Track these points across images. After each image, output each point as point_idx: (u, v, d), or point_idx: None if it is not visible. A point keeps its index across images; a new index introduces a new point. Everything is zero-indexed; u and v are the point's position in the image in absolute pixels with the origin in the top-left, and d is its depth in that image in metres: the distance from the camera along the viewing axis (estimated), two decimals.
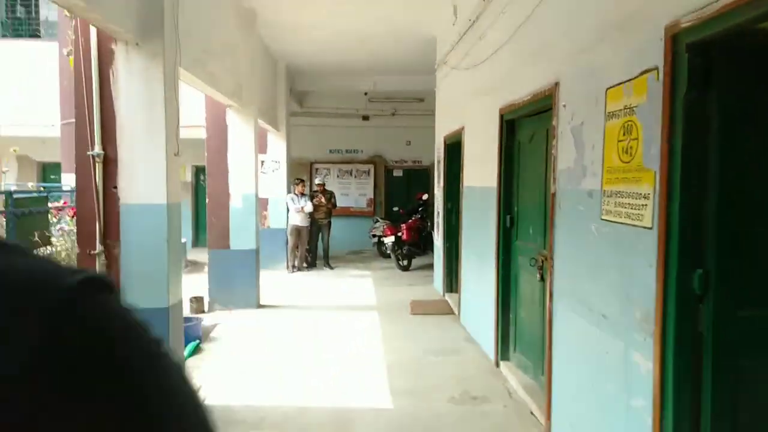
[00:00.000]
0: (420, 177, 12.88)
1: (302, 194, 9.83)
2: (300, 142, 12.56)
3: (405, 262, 9.95)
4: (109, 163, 3.60)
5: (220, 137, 6.78)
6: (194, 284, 7.23)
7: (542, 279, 3.87)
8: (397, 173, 13.02)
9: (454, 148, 7.19)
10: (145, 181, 3.63)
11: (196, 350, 5.21)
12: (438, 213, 8.01)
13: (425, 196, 11.02)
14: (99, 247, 3.57)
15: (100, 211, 3.57)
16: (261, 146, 9.88)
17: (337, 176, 12.77)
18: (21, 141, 12.07)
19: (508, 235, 4.58)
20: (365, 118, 12.72)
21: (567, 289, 3.26)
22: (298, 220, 9.65)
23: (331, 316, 6.50)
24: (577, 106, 3.12)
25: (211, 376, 4.52)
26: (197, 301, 6.73)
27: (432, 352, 5.12)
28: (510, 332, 4.62)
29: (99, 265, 3.57)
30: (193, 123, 8.40)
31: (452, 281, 7.41)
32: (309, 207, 9.73)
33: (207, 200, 6.85)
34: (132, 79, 3.60)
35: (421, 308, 6.79)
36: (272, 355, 5.08)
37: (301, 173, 12.55)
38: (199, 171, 12.64)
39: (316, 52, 9.39)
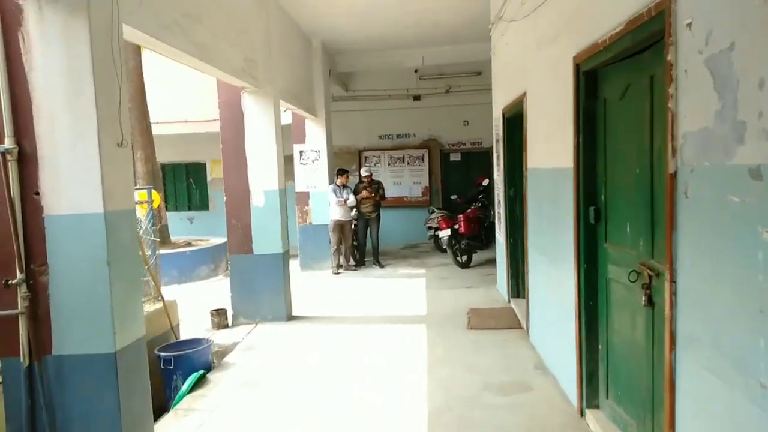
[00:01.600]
0: (480, 160, 11.49)
1: (344, 186, 8.78)
2: (347, 129, 11.56)
3: (464, 259, 8.68)
4: (27, 161, 2.65)
5: (235, 126, 5.82)
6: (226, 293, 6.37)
7: (650, 304, 2.55)
8: (455, 157, 11.69)
9: (514, 122, 5.84)
10: (75, 184, 2.65)
11: (199, 382, 4.29)
12: (499, 202, 6.68)
13: (486, 182, 9.66)
14: (19, 276, 2.64)
15: (18, 226, 2.63)
16: (298, 135, 8.96)
17: (389, 164, 11.63)
18: None
19: (592, 234, 3.25)
20: (416, 98, 11.47)
21: (703, 332, 1.95)
22: (341, 214, 8.62)
23: (370, 333, 5.40)
24: (717, 19, 1.79)
25: (206, 425, 3.55)
26: (219, 314, 5.85)
27: (493, 388, 3.88)
28: (599, 369, 3.31)
29: (21, 300, 2.64)
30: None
31: (519, 285, 6.10)
32: (352, 200, 8.67)
33: (225, 199, 5.93)
34: (49, 44, 2.62)
35: (480, 321, 5.54)
36: (288, 394, 4.05)
37: (349, 163, 11.54)
38: None
39: (354, 26, 8.26)
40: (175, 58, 4.08)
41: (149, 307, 4.89)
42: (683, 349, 2.09)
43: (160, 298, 4.97)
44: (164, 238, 9.08)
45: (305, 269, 8.97)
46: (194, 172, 12.82)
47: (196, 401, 3.94)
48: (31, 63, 2.62)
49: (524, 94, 4.80)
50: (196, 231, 12.23)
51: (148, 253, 5.00)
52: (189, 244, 9.31)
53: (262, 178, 5.82)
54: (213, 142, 12.32)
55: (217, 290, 7.55)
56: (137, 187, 5.22)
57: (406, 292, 7.16)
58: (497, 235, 6.96)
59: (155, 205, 5.29)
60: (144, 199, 5.10)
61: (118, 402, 2.68)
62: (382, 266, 9.04)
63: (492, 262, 8.78)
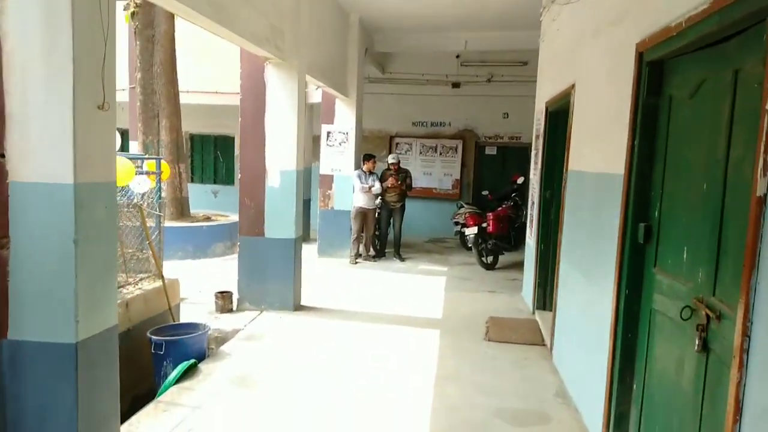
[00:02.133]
0: (518, 156, 10.90)
1: (371, 172, 8.38)
2: (380, 113, 11.13)
3: (489, 260, 8.20)
4: None
5: (256, 100, 5.47)
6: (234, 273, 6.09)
7: (705, 350, 2.08)
8: (490, 151, 11.12)
9: (558, 117, 5.31)
10: (46, 149, 2.32)
11: (189, 372, 3.99)
12: (532, 203, 6.17)
13: (521, 180, 9.10)
14: None
15: None
16: (327, 115, 8.58)
17: (420, 152, 11.16)
18: None
19: (639, 255, 2.76)
20: (455, 85, 10.92)
21: None
22: (364, 201, 8.23)
23: (379, 334, 5.02)
24: None
25: (184, 425, 3.25)
26: (224, 297, 5.57)
27: (505, 416, 3.46)
28: (632, 412, 2.85)
29: None
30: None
31: (546, 295, 5.61)
32: (377, 187, 8.27)
33: (240, 176, 5.60)
34: None
35: (500, 332, 5.09)
36: (277, 398, 3.71)
37: (379, 148, 11.12)
38: None
39: (396, 2, 7.77)
40: (187, 17, 3.73)
41: (148, 286, 4.63)
42: (754, 423, 1.62)
43: (159, 276, 4.70)
44: (183, 211, 8.89)
45: (323, 255, 8.65)
46: (222, 146, 12.63)
47: (181, 395, 3.64)
48: (2, 5, 2.28)
49: (572, 86, 4.28)
50: (220, 206, 12.04)
51: (152, 226, 4.72)
52: (208, 218, 9.09)
53: (280, 157, 5.47)
54: None
55: (231, 269, 7.28)
56: (147, 156, 4.93)
57: (423, 290, 6.74)
58: (527, 238, 6.46)
59: (164, 177, 5.00)
60: (153, 170, 4.81)
61: (76, 399, 2.37)
62: (402, 259, 8.64)
63: (519, 265, 8.28)
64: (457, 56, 10.71)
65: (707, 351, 2.08)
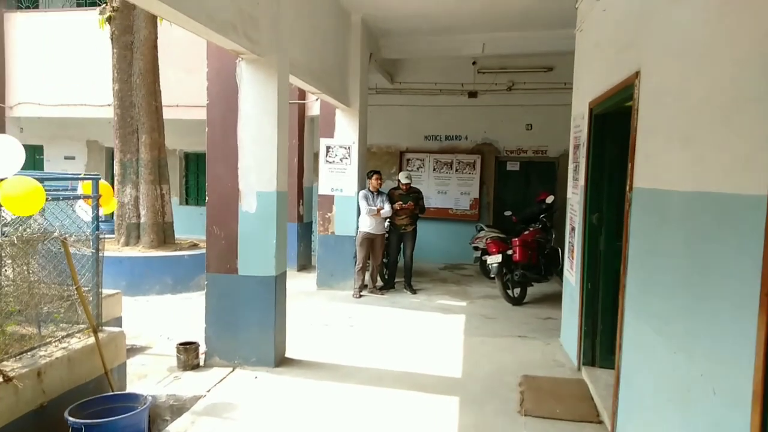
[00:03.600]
0: (543, 172, 9.73)
1: (378, 191, 7.28)
2: (388, 126, 10.09)
3: (516, 293, 6.99)
4: None
5: (226, 105, 4.42)
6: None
7: None
8: (512, 166, 9.96)
9: (607, 121, 4.17)
10: None
11: None
12: (572, 228, 4.99)
13: (550, 199, 7.92)
14: None
15: None
16: (327, 128, 7.54)
17: (434, 169, 10.03)
18: (87, 123, 10.95)
19: None
20: (472, 94, 9.83)
21: None
22: (371, 225, 7.12)
23: (382, 401, 3.85)
24: None
25: None
26: (187, 351, 4.45)
27: None
28: None
29: None
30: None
31: (595, 348, 4.40)
32: (387, 210, 7.16)
33: (207, 199, 4.54)
34: None
35: (539, 402, 3.87)
36: None
37: (388, 165, 10.06)
38: None
39: (403, 1, 6.76)
40: None
41: (77, 343, 3.54)
42: None
43: (92, 330, 3.61)
44: (166, 238, 7.86)
45: (322, 287, 7.53)
46: None
47: None
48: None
49: (636, 75, 3.14)
50: None
51: (81, 266, 3.65)
52: (195, 245, 8.05)
53: (257, 175, 4.39)
54: None
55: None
56: (82, 176, 3.89)
57: (438, 334, 5.56)
58: (566, 272, 5.26)
59: (107, 203, 3.93)
60: (88, 192, 3.76)
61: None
62: (414, 291, 7.47)
63: (552, 299, 7.07)
64: (474, 62, 9.65)
65: None
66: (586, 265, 4.43)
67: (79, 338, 3.59)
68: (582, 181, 4.55)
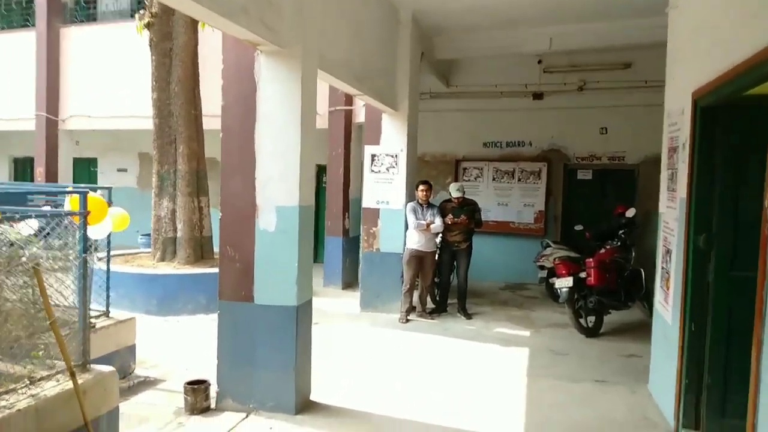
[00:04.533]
0: (621, 181, 8.59)
1: (428, 204, 6.49)
2: (444, 133, 9.28)
3: (590, 321, 5.95)
4: None
5: (243, 105, 3.79)
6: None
7: None
8: (584, 175, 8.85)
9: (723, 115, 3.20)
10: None
11: None
12: (667, 251, 3.97)
13: (630, 212, 6.82)
14: None
15: None
16: (373, 135, 6.85)
17: (493, 178, 9.09)
18: (138, 135, 10.84)
19: None
20: (537, 96, 8.83)
21: None
22: (420, 242, 6.33)
23: None
24: None
25: None
26: (195, 392, 3.82)
27: None
28: None
29: None
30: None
31: (699, 405, 3.38)
32: (438, 224, 6.35)
33: (220, 215, 3.92)
34: None
35: None
36: None
37: (443, 175, 9.25)
38: (321, 171, 10.07)
39: None
40: None
41: (52, 389, 2.97)
42: None
43: (69, 373, 3.02)
44: (204, 253, 7.41)
45: (366, 309, 6.80)
46: None
47: None
48: None
49: None
50: None
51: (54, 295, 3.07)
52: None
53: (277, 187, 3.72)
54: None
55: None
56: (70, 189, 3.36)
57: (496, 374, 4.66)
58: (658, 304, 4.23)
59: (97, 222, 3.38)
60: (76, 208, 3.22)
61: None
62: (468, 317, 6.58)
63: (634, 329, 6.01)
64: (539, 61, 8.67)
65: None
66: (689, 301, 3.43)
67: (58, 381, 3.02)
68: (683, 192, 3.55)
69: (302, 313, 3.81)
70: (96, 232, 4.02)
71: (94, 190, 4.87)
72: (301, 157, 3.71)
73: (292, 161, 3.71)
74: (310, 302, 3.96)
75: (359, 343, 5.49)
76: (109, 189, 4.45)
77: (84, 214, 3.20)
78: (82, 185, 3.60)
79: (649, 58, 8.06)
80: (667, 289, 3.88)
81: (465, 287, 6.72)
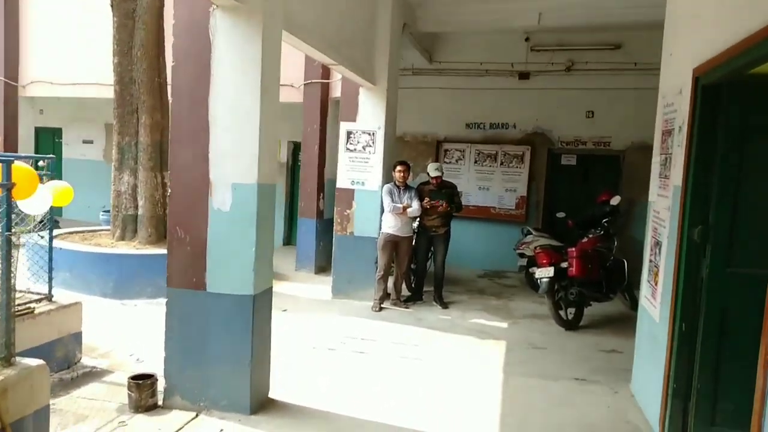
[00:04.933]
0: (605, 167, 8.34)
1: (405, 186, 6.14)
2: (426, 112, 8.92)
3: (571, 314, 5.71)
4: None
5: (196, 67, 3.37)
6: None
7: None
8: (568, 160, 8.57)
9: (728, 94, 2.88)
10: None
11: None
12: (656, 243, 3.69)
13: (615, 200, 6.56)
14: None
15: None
16: (349, 110, 6.44)
17: (475, 161, 8.77)
18: (104, 104, 10.21)
19: None
20: (523, 76, 8.49)
21: None
22: (396, 226, 5.99)
23: None
24: None
25: None
26: (140, 387, 3.45)
27: None
28: None
29: None
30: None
31: (687, 411, 3.13)
32: (415, 208, 6.01)
33: (169, 192, 3.52)
34: None
35: None
36: None
37: (424, 156, 8.88)
38: (297, 149, 9.62)
39: None
40: None
41: None
42: None
43: None
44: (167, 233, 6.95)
45: (338, 296, 6.48)
46: None
47: None
48: None
49: None
50: None
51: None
52: None
53: (233, 162, 3.33)
54: None
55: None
56: None
57: (471, 370, 4.38)
58: (644, 300, 3.96)
59: (25, 196, 2.96)
60: None
61: None
62: (445, 306, 6.30)
63: (615, 323, 5.80)
64: (527, 39, 8.32)
65: None
66: (680, 298, 3.15)
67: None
68: (677, 180, 3.25)
69: (260, 303, 3.45)
70: (31, 206, 3.61)
71: (36, 160, 4.42)
72: (261, 128, 3.31)
73: (249, 133, 3.31)
74: (269, 291, 3.60)
75: (328, 332, 5.17)
76: (52, 159, 4.01)
77: (7, 186, 2.77)
78: (11, 154, 3.15)
79: (641, 39, 7.76)
80: (656, 284, 3.61)
81: (442, 275, 6.43)
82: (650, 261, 3.80)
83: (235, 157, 3.33)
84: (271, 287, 3.62)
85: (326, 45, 4.64)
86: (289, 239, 9.82)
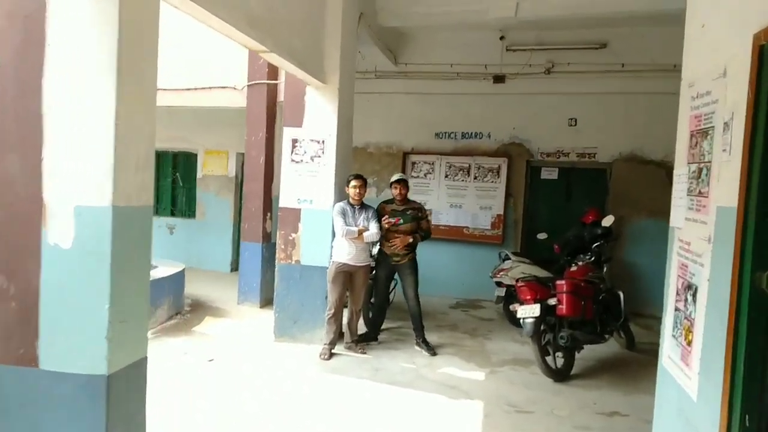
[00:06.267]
0: (590, 182, 7.45)
1: (361, 205, 5.08)
2: (391, 120, 7.95)
3: (560, 361, 4.69)
4: None
5: (23, 35, 2.26)
6: None
7: None
8: (549, 174, 7.65)
9: None
10: None
11: None
12: (686, 288, 2.68)
13: (608, 221, 5.62)
14: None
15: None
16: (294, 114, 5.38)
17: (445, 175, 7.79)
18: None
19: None
20: (498, 79, 7.58)
21: None
22: (350, 253, 4.92)
23: None
24: None
25: None
26: None
27: None
28: None
29: None
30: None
31: None
32: (373, 231, 4.96)
33: None
34: None
35: None
36: None
37: (388, 169, 7.85)
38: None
39: None
40: None
41: None
42: None
43: None
44: None
45: (281, 338, 5.34)
46: (184, 165, 9.57)
47: None
48: None
49: None
50: (176, 246, 8.96)
51: None
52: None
53: (76, 174, 2.22)
54: (209, 122, 9.02)
55: (166, 350, 4.02)
56: None
57: None
58: (669, 360, 2.94)
59: None
60: None
61: None
62: (432, 351, 5.17)
63: (610, 369, 4.79)
64: (502, 37, 7.42)
65: None
66: (740, 378, 2.14)
67: None
68: (726, 198, 2.26)
69: (121, 386, 2.31)
70: None
71: None
72: (118, 122, 2.21)
73: (103, 131, 2.21)
74: (140, 366, 2.45)
75: (260, 394, 4.03)
76: None
77: None
78: None
79: (628, 37, 6.93)
80: (688, 344, 2.61)
81: (419, 311, 5.32)
82: (677, 310, 2.80)
83: (79, 166, 2.22)
84: (144, 359, 2.48)
85: (244, 21, 3.56)
86: (237, 265, 8.63)
